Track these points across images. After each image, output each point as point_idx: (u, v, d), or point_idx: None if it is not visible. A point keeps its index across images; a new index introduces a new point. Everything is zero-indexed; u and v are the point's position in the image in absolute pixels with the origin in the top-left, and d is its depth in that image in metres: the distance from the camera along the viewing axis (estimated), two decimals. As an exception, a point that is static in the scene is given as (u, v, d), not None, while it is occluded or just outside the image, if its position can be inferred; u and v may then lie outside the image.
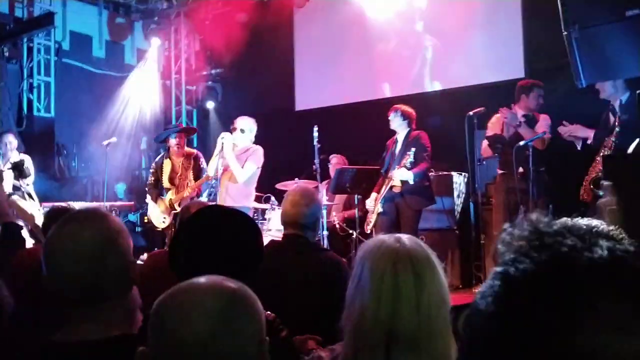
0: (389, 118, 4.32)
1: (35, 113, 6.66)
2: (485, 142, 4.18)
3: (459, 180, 5.11)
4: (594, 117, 3.79)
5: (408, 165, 4.06)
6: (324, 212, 4.63)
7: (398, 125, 4.30)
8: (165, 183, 4.66)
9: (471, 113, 4.12)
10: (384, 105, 4.79)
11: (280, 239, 2.33)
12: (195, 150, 4.88)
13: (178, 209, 4.22)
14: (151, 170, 4.90)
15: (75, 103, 6.82)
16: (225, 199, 4.18)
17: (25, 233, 2.21)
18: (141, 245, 5.83)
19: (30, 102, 6.66)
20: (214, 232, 1.37)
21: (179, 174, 4.65)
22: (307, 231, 2.16)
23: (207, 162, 4.55)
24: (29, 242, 2.31)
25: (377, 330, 0.98)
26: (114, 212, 5.73)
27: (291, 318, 1.47)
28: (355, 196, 4.77)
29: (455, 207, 5.07)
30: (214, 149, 4.37)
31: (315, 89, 6.92)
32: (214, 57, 7.48)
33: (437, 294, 1.01)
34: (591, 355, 0.38)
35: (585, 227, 0.44)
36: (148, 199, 4.80)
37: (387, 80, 6.47)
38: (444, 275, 1.05)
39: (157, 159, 4.95)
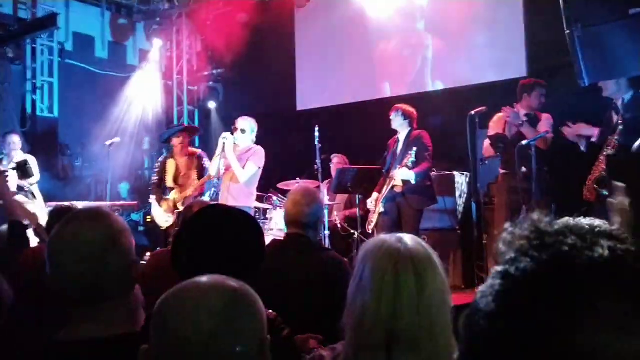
0: (390, 118, 4.32)
1: (38, 113, 6.69)
2: (487, 142, 4.17)
3: (460, 180, 5.11)
4: (597, 116, 3.78)
5: (409, 164, 4.05)
6: (326, 212, 4.63)
7: (399, 125, 4.30)
8: (169, 182, 4.68)
9: (473, 112, 4.10)
10: (385, 105, 4.79)
11: (282, 238, 2.33)
12: (198, 150, 4.90)
13: (181, 208, 4.24)
14: (155, 170, 4.92)
15: (79, 103, 6.84)
16: (227, 199, 4.19)
17: (30, 232, 2.21)
18: (144, 245, 5.85)
19: (33, 102, 6.69)
20: (216, 231, 1.38)
21: (182, 174, 4.67)
22: (308, 230, 2.17)
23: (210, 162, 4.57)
24: (34, 242, 2.31)
25: (378, 329, 0.98)
26: (117, 211, 5.74)
27: (293, 317, 1.48)
28: (357, 196, 4.77)
29: (457, 207, 5.06)
30: (215, 149, 4.38)
31: (316, 88, 6.92)
32: (215, 57, 7.49)
33: (438, 294, 1.01)
34: (591, 354, 0.38)
35: (586, 226, 0.44)
36: (152, 198, 4.81)
37: (389, 79, 6.47)
38: (446, 275, 1.05)
39: (160, 159, 4.97)
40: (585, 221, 0.45)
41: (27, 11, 6.58)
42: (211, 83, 7.76)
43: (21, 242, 2.00)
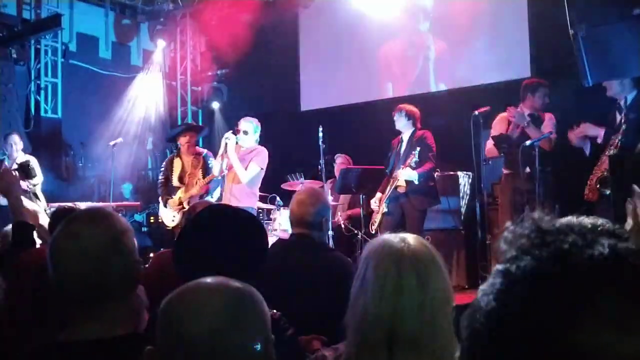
0: (394, 118, 4.32)
1: (42, 114, 6.71)
2: (490, 142, 4.16)
3: (463, 181, 5.10)
4: (601, 116, 3.76)
5: (413, 164, 4.05)
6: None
7: (403, 125, 4.30)
8: (175, 181, 4.71)
9: (477, 112, 4.10)
10: (389, 105, 4.78)
11: (287, 238, 2.34)
12: (204, 149, 4.93)
13: (187, 207, 4.25)
14: (161, 169, 4.95)
15: (82, 104, 6.86)
16: (230, 199, 4.20)
17: (34, 233, 2.22)
18: (147, 245, 5.86)
19: (37, 103, 6.71)
20: (218, 231, 1.38)
21: (188, 173, 4.70)
22: (313, 230, 2.17)
23: (215, 161, 4.58)
24: (38, 243, 2.32)
25: (379, 329, 0.98)
26: (120, 212, 5.76)
27: (297, 317, 1.48)
28: (361, 196, 4.77)
29: (461, 207, 5.06)
30: (219, 150, 4.39)
31: (320, 89, 6.93)
32: (219, 57, 7.50)
33: (440, 294, 1.01)
34: (592, 354, 0.38)
35: (587, 225, 0.44)
36: (159, 198, 4.86)
37: (392, 80, 6.47)
38: (448, 275, 1.05)
39: (167, 158, 5.01)
40: (586, 220, 0.45)
41: (31, 12, 6.61)
42: (215, 83, 7.77)
43: (26, 243, 2.01)
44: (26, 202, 2.29)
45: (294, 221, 2.20)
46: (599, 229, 0.43)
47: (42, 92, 6.74)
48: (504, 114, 4.08)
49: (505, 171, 4.13)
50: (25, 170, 3.47)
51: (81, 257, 1.06)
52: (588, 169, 3.59)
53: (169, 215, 4.72)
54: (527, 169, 3.79)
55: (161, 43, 7.51)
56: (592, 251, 0.40)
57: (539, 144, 3.76)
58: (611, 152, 3.39)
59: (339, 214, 5.37)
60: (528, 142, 3.75)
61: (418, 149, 4.05)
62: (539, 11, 5.14)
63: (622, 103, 3.57)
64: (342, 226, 5.18)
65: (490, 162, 4.31)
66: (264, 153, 4.27)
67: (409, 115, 4.26)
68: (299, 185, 5.13)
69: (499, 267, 0.44)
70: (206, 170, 4.63)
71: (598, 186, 3.39)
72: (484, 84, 5.58)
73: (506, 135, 4.03)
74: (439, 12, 6.10)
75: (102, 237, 1.08)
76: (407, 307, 0.98)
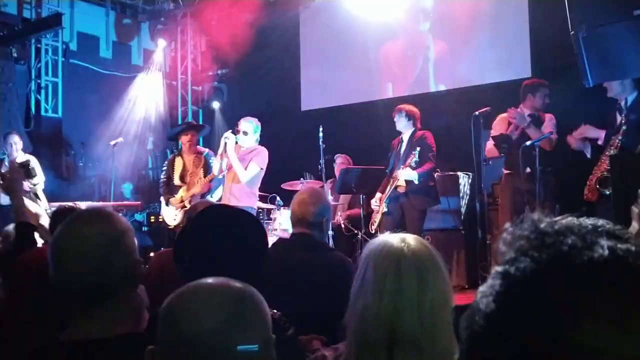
0: (394, 119, 4.31)
1: (43, 113, 6.72)
2: (490, 142, 4.16)
3: (463, 181, 5.10)
4: (601, 116, 3.76)
5: (413, 164, 4.05)
6: (329, 212, 4.62)
7: (403, 125, 4.30)
8: (176, 180, 4.73)
9: (477, 113, 4.09)
10: (389, 106, 4.79)
11: (288, 238, 2.35)
12: (206, 149, 4.95)
13: (188, 206, 4.26)
14: (163, 168, 4.97)
15: (83, 103, 6.87)
16: (230, 199, 4.20)
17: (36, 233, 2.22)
18: (148, 245, 5.87)
19: (38, 102, 6.71)
20: (219, 230, 1.38)
21: (190, 172, 4.72)
22: (314, 230, 2.18)
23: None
24: (40, 243, 2.32)
25: (379, 329, 0.98)
26: (120, 211, 5.76)
27: (297, 317, 1.48)
28: (361, 196, 4.77)
29: (461, 207, 5.06)
30: (218, 149, 4.39)
31: (320, 89, 6.93)
32: (219, 57, 7.50)
33: (440, 294, 1.01)
34: (592, 355, 0.38)
35: (587, 226, 0.44)
36: (161, 197, 4.87)
37: (393, 80, 6.47)
38: (448, 276, 1.05)
39: (169, 157, 5.02)
40: (586, 221, 0.45)
41: (31, 11, 6.61)
42: (215, 83, 7.77)
43: (28, 243, 2.01)
44: (27, 203, 2.30)
45: (295, 221, 2.21)
46: (598, 230, 0.43)
47: (43, 91, 6.74)
48: (504, 115, 4.08)
49: (505, 171, 4.13)
50: (25, 170, 3.47)
51: (82, 256, 1.06)
52: (589, 169, 3.59)
53: (171, 215, 4.74)
54: (528, 169, 3.79)
55: (162, 43, 7.51)
56: (592, 253, 0.41)
57: (540, 144, 3.76)
58: (611, 152, 3.39)
59: (339, 213, 5.37)
60: (528, 142, 3.75)
61: (418, 149, 4.05)
62: (539, 11, 5.14)
63: (622, 104, 3.57)
64: (342, 226, 5.18)
65: (490, 162, 4.31)
66: (264, 153, 4.27)
67: (409, 116, 4.27)
68: (299, 185, 5.14)
69: (498, 268, 0.44)
70: (207, 169, 4.65)
71: (598, 186, 3.39)
72: (484, 84, 5.58)
73: (506, 135, 4.03)
74: (439, 12, 6.10)
75: (102, 237, 1.08)
76: (406, 307, 0.98)
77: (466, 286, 4.77)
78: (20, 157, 5.11)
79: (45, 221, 2.44)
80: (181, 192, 4.70)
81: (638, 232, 2.04)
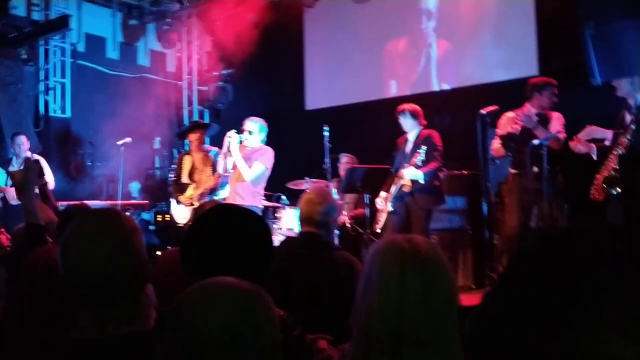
0: (399, 121, 4.28)
1: (51, 114, 6.77)
2: (496, 142, 4.13)
3: (469, 181, 5.07)
4: (610, 116, 3.72)
5: (419, 163, 4.03)
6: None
7: (410, 125, 4.27)
8: (185, 178, 4.77)
9: (484, 112, 4.07)
10: (394, 105, 4.76)
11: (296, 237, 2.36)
12: (214, 147, 4.98)
13: (197, 204, 4.29)
14: (173, 167, 5.01)
15: (90, 103, 6.92)
16: (235, 198, 4.21)
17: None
18: (155, 244, 5.90)
19: (46, 103, 6.77)
20: (225, 230, 1.39)
21: (198, 170, 4.76)
22: (321, 229, 2.19)
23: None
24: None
25: (384, 330, 0.98)
26: (128, 210, 5.80)
27: (303, 316, 1.48)
28: (366, 195, 4.76)
29: (467, 207, 5.03)
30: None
31: (325, 88, 6.93)
32: (225, 57, 7.52)
33: (445, 295, 1.01)
34: (594, 357, 0.38)
35: (590, 229, 0.44)
36: (171, 195, 4.92)
37: (398, 79, 6.45)
38: (454, 276, 1.05)
39: (178, 156, 5.07)
40: (588, 224, 0.45)
41: (40, 13, 6.67)
42: (221, 83, 7.80)
43: (38, 243, 2.03)
44: (37, 203, 2.31)
45: (303, 219, 2.24)
46: (601, 233, 0.43)
47: (51, 92, 6.80)
48: (510, 114, 4.05)
49: (512, 171, 4.10)
50: (38, 170, 3.50)
51: (91, 256, 1.07)
52: (597, 169, 3.55)
53: (181, 213, 4.78)
54: (535, 169, 3.76)
55: (168, 43, 7.55)
56: (596, 256, 0.41)
57: (548, 143, 3.72)
58: (620, 152, 3.36)
59: (345, 213, 5.36)
60: (536, 142, 3.71)
61: (424, 147, 4.03)
62: (546, 8, 5.11)
63: (632, 103, 3.53)
64: (348, 225, 5.17)
65: (497, 161, 4.29)
66: (269, 153, 4.27)
67: (413, 115, 4.24)
68: (305, 184, 5.14)
69: (503, 271, 0.45)
70: (215, 168, 4.68)
71: (605, 186, 3.36)
72: (490, 82, 5.55)
73: (513, 135, 4.00)
74: (445, 10, 6.08)
75: (111, 238, 1.10)
76: (412, 307, 0.98)
77: (473, 286, 4.75)
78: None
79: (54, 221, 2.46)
80: (190, 190, 4.74)
81: None
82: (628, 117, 3.52)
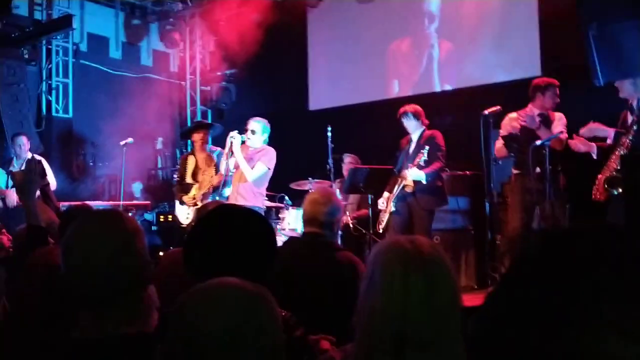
0: (403, 123, 4.28)
1: (53, 114, 6.79)
2: (499, 142, 4.13)
3: (472, 181, 5.07)
4: (612, 116, 3.71)
5: (422, 163, 4.03)
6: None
7: (414, 126, 4.26)
8: (188, 178, 4.79)
9: (487, 112, 4.06)
10: (397, 105, 4.76)
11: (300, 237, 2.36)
12: (217, 147, 5.00)
13: (200, 204, 4.31)
14: (177, 167, 5.03)
15: (93, 103, 6.93)
16: (237, 199, 4.22)
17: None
18: (157, 244, 5.90)
19: (49, 103, 6.79)
20: (228, 230, 1.39)
21: (201, 170, 4.78)
22: (325, 230, 2.19)
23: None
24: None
25: (387, 330, 0.98)
26: (130, 211, 5.81)
27: (306, 316, 1.48)
28: (369, 196, 4.76)
29: (470, 207, 5.02)
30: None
31: (328, 88, 6.93)
32: (228, 57, 7.53)
33: (448, 295, 1.01)
34: (596, 358, 0.38)
35: (591, 230, 0.44)
36: (175, 196, 4.94)
37: (401, 79, 6.45)
38: (457, 277, 1.05)
39: (182, 156, 5.09)
40: (589, 225, 0.45)
41: (42, 12, 6.69)
42: (224, 83, 7.81)
43: (39, 245, 2.03)
44: (38, 205, 2.32)
45: (307, 220, 2.24)
46: (602, 234, 0.43)
47: (54, 92, 6.82)
48: (512, 114, 4.05)
49: (515, 171, 4.10)
50: (40, 171, 3.51)
51: (93, 257, 1.07)
52: (599, 169, 3.54)
53: (184, 213, 4.80)
54: (538, 169, 3.76)
55: (171, 43, 7.56)
56: (597, 257, 0.41)
57: (550, 143, 3.72)
58: (622, 152, 3.35)
59: (348, 213, 5.36)
60: (538, 142, 3.71)
61: (427, 147, 4.02)
62: (549, 9, 5.10)
63: (634, 104, 3.52)
64: (351, 226, 5.17)
65: (500, 162, 4.28)
66: (271, 153, 4.27)
67: (416, 115, 4.24)
68: (308, 184, 5.14)
69: (506, 272, 0.44)
70: (218, 168, 4.70)
71: (606, 186, 3.35)
72: (492, 83, 5.54)
73: (516, 135, 4.00)
74: (448, 10, 6.07)
75: (113, 239, 1.10)
76: (414, 308, 0.98)
77: (475, 287, 4.75)
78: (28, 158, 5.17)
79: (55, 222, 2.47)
80: (194, 190, 4.76)
81: None
82: (630, 118, 3.51)
